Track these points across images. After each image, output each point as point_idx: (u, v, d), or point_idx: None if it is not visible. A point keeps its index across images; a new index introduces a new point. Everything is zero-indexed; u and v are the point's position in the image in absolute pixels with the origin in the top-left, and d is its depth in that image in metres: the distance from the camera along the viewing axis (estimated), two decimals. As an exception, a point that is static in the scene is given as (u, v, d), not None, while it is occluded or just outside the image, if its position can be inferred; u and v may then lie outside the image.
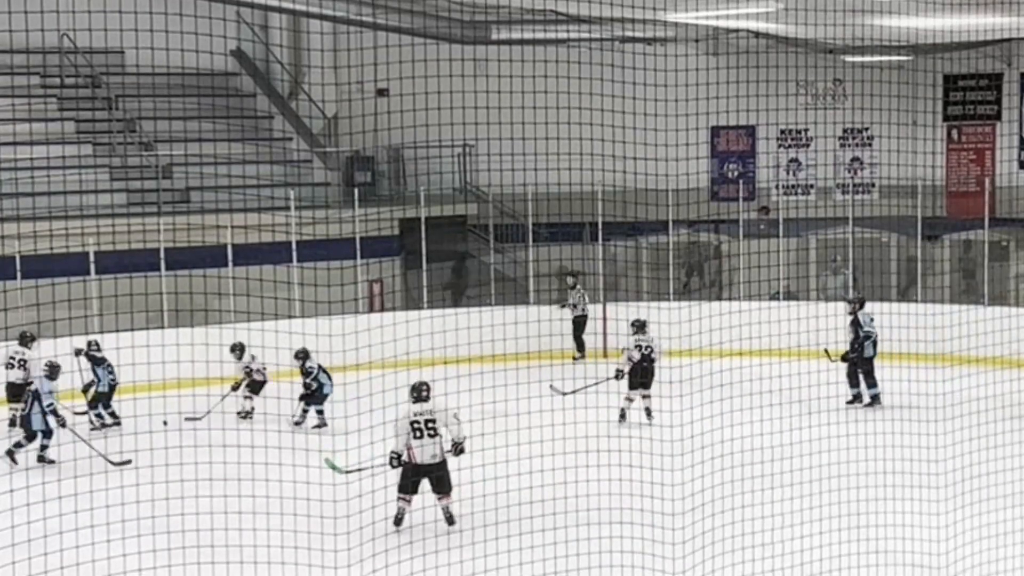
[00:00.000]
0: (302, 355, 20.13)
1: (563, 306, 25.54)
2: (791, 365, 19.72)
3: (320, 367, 20.17)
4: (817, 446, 15.03)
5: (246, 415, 20.65)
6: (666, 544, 12.68)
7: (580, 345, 25.50)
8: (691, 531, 12.93)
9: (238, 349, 20.62)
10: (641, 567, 12.59)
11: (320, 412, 20.14)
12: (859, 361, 20.84)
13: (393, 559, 13.52)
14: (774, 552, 12.58)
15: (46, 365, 18.27)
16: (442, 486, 14.89)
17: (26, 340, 19.69)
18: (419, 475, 14.78)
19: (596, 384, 20.21)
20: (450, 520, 14.78)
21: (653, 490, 13.90)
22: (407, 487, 14.78)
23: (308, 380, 20.10)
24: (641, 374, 19.85)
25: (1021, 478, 14.37)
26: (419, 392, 14.89)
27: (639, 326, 20.24)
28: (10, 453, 18.03)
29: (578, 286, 25.71)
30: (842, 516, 13.32)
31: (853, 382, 20.88)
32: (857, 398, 20.86)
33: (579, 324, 25.52)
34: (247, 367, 20.67)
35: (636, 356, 19.80)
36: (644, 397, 19.88)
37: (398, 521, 14.68)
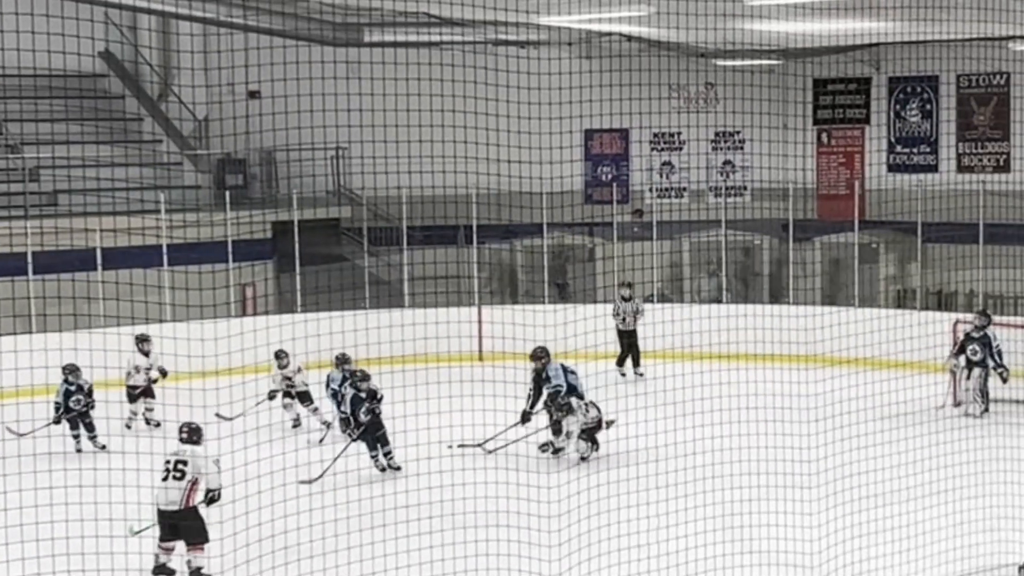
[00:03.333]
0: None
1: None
2: (665, 367, 19.89)
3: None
4: (692, 447, 15.08)
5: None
6: (543, 547, 12.67)
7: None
8: (568, 533, 12.94)
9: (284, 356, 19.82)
10: (519, 570, 12.57)
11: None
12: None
13: (267, 564, 13.40)
14: (651, 553, 12.63)
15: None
16: (186, 535, 13.29)
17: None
18: (163, 521, 13.34)
19: None
20: None
21: (530, 492, 13.88)
22: (163, 534, 13.41)
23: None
24: None
25: (891, 477, 14.56)
26: (180, 432, 13.64)
27: None
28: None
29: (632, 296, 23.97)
30: (717, 517, 13.42)
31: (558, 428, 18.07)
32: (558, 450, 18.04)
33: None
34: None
35: None
36: None
37: (155, 571, 13.35)
